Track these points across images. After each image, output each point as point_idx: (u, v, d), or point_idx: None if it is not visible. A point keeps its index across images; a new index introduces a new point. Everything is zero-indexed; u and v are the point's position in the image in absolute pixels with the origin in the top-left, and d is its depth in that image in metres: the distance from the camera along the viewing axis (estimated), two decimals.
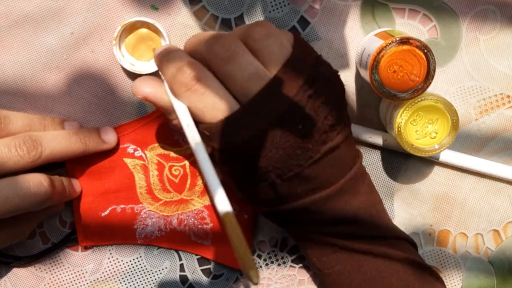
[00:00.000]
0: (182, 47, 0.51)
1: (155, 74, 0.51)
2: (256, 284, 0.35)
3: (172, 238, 0.53)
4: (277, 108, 0.41)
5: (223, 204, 0.37)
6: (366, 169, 0.53)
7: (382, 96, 0.46)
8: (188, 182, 0.53)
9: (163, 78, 0.44)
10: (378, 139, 0.52)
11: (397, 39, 0.44)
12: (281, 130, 0.41)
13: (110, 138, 0.50)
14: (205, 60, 0.42)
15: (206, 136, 0.42)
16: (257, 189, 0.44)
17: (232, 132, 0.41)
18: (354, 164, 0.46)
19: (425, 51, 0.44)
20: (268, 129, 0.41)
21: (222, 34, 0.43)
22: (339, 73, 0.45)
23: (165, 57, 0.43)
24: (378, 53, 0.45)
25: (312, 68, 0.42)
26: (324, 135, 0.42)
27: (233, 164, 0.43)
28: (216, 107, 0.41)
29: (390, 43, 0.44)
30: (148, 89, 0.44)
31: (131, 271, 0.54)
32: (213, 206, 0.53)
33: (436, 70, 0.45)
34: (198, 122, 0.42)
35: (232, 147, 0.41)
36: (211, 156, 0.41)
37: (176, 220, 0.53)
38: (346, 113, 0.45)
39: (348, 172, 0.45)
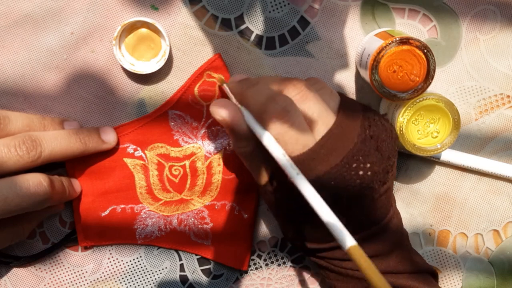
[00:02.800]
0: (182, 47, 0.51)
1: (154, 74, 0.51)
2: None
3: (172, 238, 0.53)
4: (346, 145, 0.42)
5: (347, 238, 0.37)
6: None
7: (382, 96, 0.46)
8: (188, 182, 0.52)
9: (238, 105, 0.44)
10: None
11: (397, 39, 0.44)
12: (353, 169, 0.42)
13: (110, 138, 0.50)
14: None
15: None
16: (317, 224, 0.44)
17: (310, 167, 0.42)
18: (393, 202, 0.48)
19: (425, 51, 0.44)
20: (340, 165, 0.42)
21: (288, 79, 0.45)
22: (386, 116, 0.47)
23: (250, 85, 0.44)
24: (378, 53, 0.44)
25: (362, 111, 0.45)
26: (386, 175, 0.44)
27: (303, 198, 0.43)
28: (299, 141, 0.42)
29: (390, 43, 0.44)
30: (228, 113, 0.44)
31: (131, 271, 0.54)
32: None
33: (436, 70, 0.45)
34: None
35: (309, 180, 0.41)
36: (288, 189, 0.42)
37: (176, 220, 0.53)
38: (397, 155, 0.47)
39: (389, 212, 0.47)
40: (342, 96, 0.46)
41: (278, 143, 0.42)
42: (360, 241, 0.45)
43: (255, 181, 0.47)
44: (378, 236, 0.46)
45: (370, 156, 0.43)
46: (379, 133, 0.44)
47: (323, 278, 0.55)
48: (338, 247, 0.46)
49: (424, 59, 0.44)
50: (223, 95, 0.51)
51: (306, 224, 0.46)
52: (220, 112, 0.44)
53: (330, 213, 0.38)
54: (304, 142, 0.42)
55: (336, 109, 0.44)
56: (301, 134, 0.42)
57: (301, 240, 0.48)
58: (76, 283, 0.54)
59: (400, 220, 0.49)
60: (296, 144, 0.42)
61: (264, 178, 0.46)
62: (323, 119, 0.43)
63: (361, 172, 0.42)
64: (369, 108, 0.46)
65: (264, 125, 0.42)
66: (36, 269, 0.54)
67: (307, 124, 0.43)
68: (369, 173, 0.42)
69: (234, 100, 0.46)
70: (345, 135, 0.43)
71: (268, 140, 0.42)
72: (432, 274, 0.50)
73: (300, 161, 0.42)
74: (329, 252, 0.47)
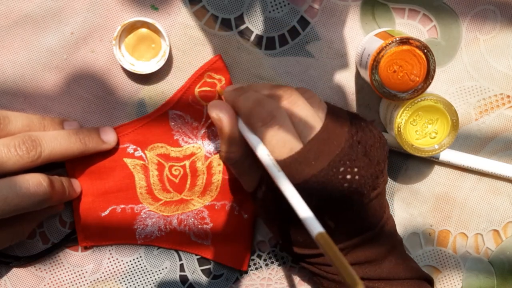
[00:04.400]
0: (182, 47, 0.51)
1: (154, 74, 0.51)
2: None
3: (172, 238, 0.53)
4: (332, 150, 0.43)
5: (315, 226, 0.38)
6: None
7: (382, 96, 0.46)
8: (188, 182, 0.52)
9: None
10: None
11: (397, 39, 0.44)
12: (341, 173, 0.42)
13: (109, 138, 0.50)
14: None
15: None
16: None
17: (297, 170, 0.42)
18: (385, 210, 0.48)
19: (425, 51, 0.44)
20: (327, 169, 0.42)
21: (278, 86, 0.46)
22: (374, 121, 0.47)
23: (241, 93, 0.45)
24: (378, 53, 0.44)
25: (349, 118, 0.45)
26: (376, 181, 0.44)
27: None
28: (286, 145, 0.42)
29: (390, 43, 0.44)
30: (225, 113, 0.44)
31: (131, 271, 0.54)
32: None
33: (436, 70, 0.45)
34: None
35: (296, 184, 0.42)
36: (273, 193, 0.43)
37: (176, 220, 0.53)
38: (387, 161, 0.47)
39: (382, 218, 0.47)
40: (330, 105, 0.47)
41: (264, 146, 0.43)
42: (353, 247, 0.46)
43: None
44: (371, 242, 0.46)
45: (357, 161, 0.43)
46: (366, 138, 0.44)
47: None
48: None
49: (424, 59, 0.44)
50: None
51: (293, 229, 0.46)
52: (218, 112, 0.45)
53: (305, 207, 0.39)
54: (291, 145, 0.42)
55: (323, 117, 0.45)
56: (288, 138, 0.42)
57: (290, 246, 0.48)
58: (76, 283, 0.54)
59: (393, 226, 0.49)
60: (283, 148, 0.42)
61: (252, 184, 0.47)
62: (311, 124, 0.43)
63: (348, 176, 0.42)
64: (357, 115, 0.47)
65: (252, 129, 0.43)
66: (36, 269, 0.54)
67: (295, 129, 0.43)
68: (356, 177, 0.43)
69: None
70: (332, 140, 0.43)
71: (254, 141, 0.43)
72: (428, 281, 0.50)
73: (286, 164, 0.42)
74: (319, 258, 0.47)
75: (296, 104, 0.44)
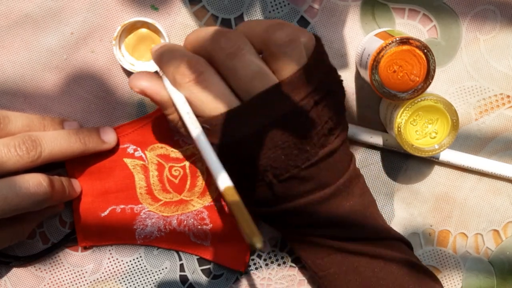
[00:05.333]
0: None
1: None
2: (259, 249, 0.35)
3: (172, 239, 0.53)
4: (280, 109, 0.41)
5: (225, 180, 0.38)
6: (367, 169, 0.53)
7: (382, 96, 0.46)
8: (188, 182, 0.52)
9: (160, 72, 0.45)
10: (378, 139, 0.52)
11: (397, 39, 0.44)
12: (282, 130, 0.41)
13: (109, 138, 0.50)
14: (208, 54, 0.42)
15: (205, 130, 0.42)
16: (254, 188, 0.44)
17: (232, 127, 0.41)
18: (349, 167, 0.46)
19: (425, 51, 0.44)
20: (269, 127, 0.41)
21: (227, 30, 0.43)
22: (342, 79, 0.45)
23: (166, 52, 0.44)
24: (378, 53, 0.44)
25: (322, 76, 0.43)
26: (323, 138, 0.43)
27: (231, 160, 0.43)
28: (217, 101, 0.41)
29: (390, 43, 0.44)
30: (145, 83, 0.44)
31: (131, 271, 0.54)
32: (213, 197, 0.53)
33: (436, 70, 0.45)
34: (197, 116, 0.43)
35: (232, 142, 0.42)
36: None
37: (175, 221, 0.53)
38: (344, 118, 0.46)
39: (343, 175, 0.45)
40: (314, 54, 0.43)
41: (195, 105, 0.42)
42: (315, 205, 0.44)
43: None
44: (335, 200, 0.45)
45: (305, 121, 0.41)
46: (326, 98, 0.42)
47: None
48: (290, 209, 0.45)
49: (424, 59, 0.44)
50: None
51: (250, 189, 0.45)
52: (138, 84, 0.44)
53: (216, 160, 0.39)
54: (224, 102, 0.41)
55: (288, 74, 0.41)
56: (220, 93, 0.41)
57: (252, 205, 0.46)
58: (76, 283, 0.54)
59: (364, 186, 0.47)
60: (215, 104, 0.41)
61: None
62: (259, 79, 0.41)
63: (290, 136, 0.41)
64: (333, 69, 0.45)
65: (179, 89, 0.42)
66: (36, 269, 0.54)
67: (240, 85, 0.41)
68: (298, 137, 0.41)
69: (158, 69, 0.46)
70: (281, 98, 0.41)
71: (177, 100, 0.42)
72: (404, 242, 0.49)
73: (220, 120, 0.41)
74: (282, 217, 0.46)
75: (237, 56, 0.41)
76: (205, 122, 0.42)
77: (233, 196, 0.37)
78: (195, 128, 0.41)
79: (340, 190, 0.45)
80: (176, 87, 0.43)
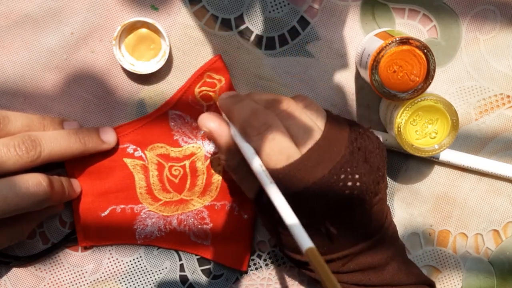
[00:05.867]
0: (182, 48, 0.51)
1: (154, 75, 0.51)
2: None
3: (172, 238, 0.53)
4: (333, 157, 0.43)
5: (305, 240, 0.38)
6: None
7: (382, 96, 0.46)
8: (188, 182, 0.52)
9: (227, 120, 0.46)
10: None
11: (397, 39, 0.44)
12: (342, 180, 0.42)
13: (109, 138, 0.50)
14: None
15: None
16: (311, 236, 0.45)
17: (296, 178, 0.42)
18: (388, 214, 0.48)
19: (425, 51, 0.44)
20: (328, 177, 0.42)
21: (275, 97, 0.46)
22: (371, 130, 0.47)
23: (237, 102, 0.46)
24: (378, 53, 0.44)
25: (348, 125, 0.45)
26: (377, 187, 0.44)
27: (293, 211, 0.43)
28: (283, 153, 0.42)
29: (390, 43, 0.44)
30: (214, 125, 0.45)
31: (131, 271, 0.54)
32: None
33: (436, 70, 0.45)
34: None
35: (293, 193, 0.42)
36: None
37: (175, 220, 0.53)
38: (386, 166, 0.47)
39: (384, 224, 0.47)
40: (329, 112, 0.47)
41: (261, 157, 0.43)
42: (356, 253, 0.46)
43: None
44: (373, 248, 0.46)
45: (358, 168, 0.43)
46: (366, 145, 0.44)
47: None
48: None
49: (424, 59, 0.44)
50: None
51: (288, 235, 0.46)
52: (207, 124, 0.45)
53: (296, 221, 0.39)
54: (288, 153, 0.43)
55: (323, 125, 0.45)
56: (284, 146, 0.43)
57: (291, 253, 0.48)
58: (76, 283, 0.54)
59: (395, 232, 0.50)
60: (280, 155, 0.42)
61: (253, 190, 0.47)
62: (309, 134, 0.44)
63: (349, 183, 0.42)
64: (355, 122, 0.47)
65: (247, 139, 0.44)
66: (36, 269, 0.54)
67: (294, 140, 0.43)
68: (358, 184, 0.43)
69: (223, 115, 0.47)
70: (332, 147, 0.43)
71: (247, 151, 0.43)
72: (430, 286, 0.50)
73: (284, 172, 0.42)
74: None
75: (293, 114, 0.44)
76: (271, 173, 0.43)
77: (316, 257, 0.37)
78: (269, 183, 0.41)
79: (380, 239, 0.47)
80: (245, 138, 0.44)
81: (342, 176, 0.42)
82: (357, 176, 0.43)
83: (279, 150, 0.43)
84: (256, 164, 0.43)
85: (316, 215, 0.44)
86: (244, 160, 0.45)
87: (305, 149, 0.43)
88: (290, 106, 0.45)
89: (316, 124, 0.45)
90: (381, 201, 0.46)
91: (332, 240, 0.45)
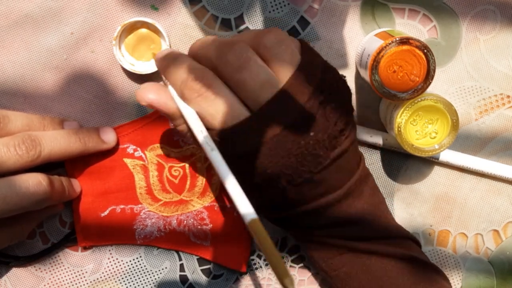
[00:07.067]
0: (182, 48, 0.51)
1: (155, 74, 0.51)
2: None
3: (172, 239, 0.53)
4: (289, 115, 0.41)
5: (248, 211, 0.37)
6: None
7: (382, 96, 0.46)
8: (188, 183, 0.52)
9: (166, 82, 0.44)
10: (378, 139, 0.52)
11: (397, 39, 0.44)
12: (293, 137, 0.41)
13: (109, 138, 0.50)
14: (215, 66, 0.42)
15: (216, 142, 0.42)
16: (267, 195, 0.44)
17: (244, 138, 0.41)
18: (358, 167, 0.46)
19: (425, 51, 0.44)
20: (280, 136, 0.41)
21: (232, 41, 0.42)
22: (345, 78, 0.45)
23: (171, 62, 0.43)
24: (378, 53, 0.44)
25: (320, 74, 0.42)
26: (334, 141, 0.42)
27: (243, 170, 0.42)
28: (227, 113, 0.41)
29: (390, 43, 0.44)
30: (152, 96, 0.43)
31: (131, 271, 0.54)
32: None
33: (436, 70, 0.45)
34: (208, 129, 0.42)
35: (244, 153, 0.41)
36: None
37: (175, 221, 0.53)
38: (352, 117, 0.46)
39: (353, 176, 0.45)
40: (305, 52, 0.43)
41: (205, 119, 0.41)
42: (325, 207, 0.44)
43: None
44: (345, 200, 0.45)
45: (315, 124, 0.41)
46: (330, 100, 0.42)
47: (322, 279, 0.55)
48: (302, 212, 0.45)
49: (424, 59, 0.44)
50: None
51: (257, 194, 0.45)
52: (145, 98, 0.43)
53: (239, 192, 0.38)
54: (234, 113, 0.41)
55: (290, 73, 0.41)
56: (230, 106, 0.41)
57: (264, 211, 0.47)
58: (76, 283, 0.54)
59: (373, 184, 0.48)
60: (225, 116, 0.41)
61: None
62: (267, 88, 0.41)
63: (302, 142, 0.41)
64: (330, 68, 0.44)
65: (186, 102, 0.42)
66: (36, 269, 0.54)
67: (244, 95, 0.41)
68: (311, 142, 0.41)
69: (163, 78, 0.45)
70: (288, 104, 0.41)
71: (189, 116, 0.41)
72: (413, 240, 0.49)
73: (229, 133, 0.41)
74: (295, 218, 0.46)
75: (246, 68, 0.41)
76: (216, 135, 0.42)
77: (259, 230, 0.36)
78: (211, 150, 0.40)
79: (351, 191, 0.45)
80: (185, 101, 0.42)
81: (293, 138, 0.41)
82: (311, 134, 0.41)
83: (223, 110, 0.41)
84: (197, 130, 0.41)
85: (271, 175, 0.42)
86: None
87: (257, 106, 0.41)
88: (243, 54, 0.41)
89: (278, 75, 0.41)
90: (346, 153, 0.44)
91: (286, 197, 0.43)
